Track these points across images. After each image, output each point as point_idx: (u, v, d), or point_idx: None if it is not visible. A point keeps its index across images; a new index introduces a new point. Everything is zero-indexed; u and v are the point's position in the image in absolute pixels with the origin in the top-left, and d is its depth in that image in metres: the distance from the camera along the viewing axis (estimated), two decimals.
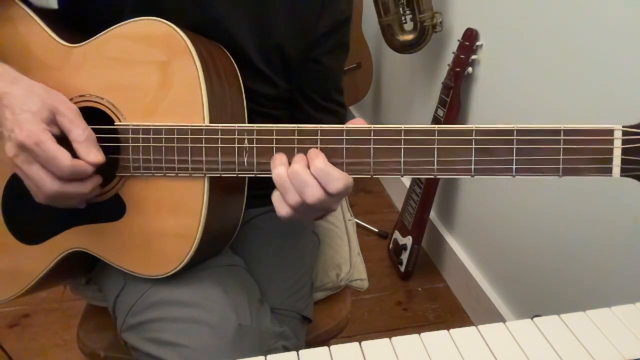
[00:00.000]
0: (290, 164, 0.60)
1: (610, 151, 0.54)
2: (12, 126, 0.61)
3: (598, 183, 1.06)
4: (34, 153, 0.60)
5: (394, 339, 0.55)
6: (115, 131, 0.67)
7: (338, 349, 0.54)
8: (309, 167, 0.59)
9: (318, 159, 0.59)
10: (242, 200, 0.74)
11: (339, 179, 0.58)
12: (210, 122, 0.65)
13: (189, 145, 0.64)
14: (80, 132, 0.63)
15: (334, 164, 0.59)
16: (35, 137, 0.60)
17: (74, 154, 0.63)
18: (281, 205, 0.61)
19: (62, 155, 0.61)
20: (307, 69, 0.82)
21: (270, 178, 0.61)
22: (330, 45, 0.82)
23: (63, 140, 0.63)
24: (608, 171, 0.54)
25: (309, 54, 0.81)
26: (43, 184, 0.62)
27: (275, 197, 0.61)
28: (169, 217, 0.68)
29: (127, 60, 0.68)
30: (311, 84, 0.84)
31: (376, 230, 2.01)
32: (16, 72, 0.66)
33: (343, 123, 0.89)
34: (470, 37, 1.47)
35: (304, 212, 0.61)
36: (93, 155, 0.63)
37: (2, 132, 0.62)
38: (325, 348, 0.54)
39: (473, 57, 1.48)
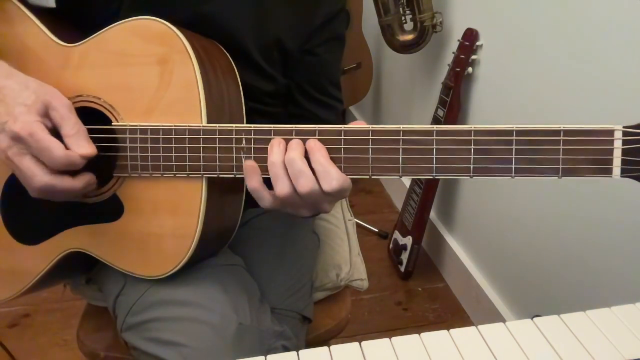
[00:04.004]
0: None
1: (611, 152, 0.54)
2: (6, 118, 0.61)
3: (598, 183, 1.06)
4: (27, 144, 0.60)
5: (394, 339, 0.55)
6: (113, 131, 0.67)
7: (338, 349, 0.54)
8: (306, 157, 0.58)
9: (320, 153, 0.58)
10: (240, 199, 0.74)
11: (335, 179, 0.58)
12: (208, 122, 0.65)
13: (187, 145, 0.64)
14: (71, 126, 0.63)
15: None
16: (29, 128, 0.60)
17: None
18: (264, 195, 0.61)
19: (55, 146, 0.61)
20: (303, 62, 0.82)
21: (270, 178, 0.61)
22: (326, 36, 0.82)
23: (56, 134, 0.63)
24: (608, 172, 0.54)
25: (305, 46, 0.81)
26: (34, 175, 0.61)
27: (255, 183, 0.61)
28: (167, 217, 0.67)
29: (125, 60, 0.68)
30: (307, 77, 0.84)
31: (376, 230, 2.01)
32: (11, 67, 0.66)
33: (340, 118, 0.91)
34: (470, 37, 1.47)
35: (292, 205, 0.61)
36: (84, 148, 0.63)
37: None
38: (325, 348, 0.54)
39: (473, 57, 1.48)
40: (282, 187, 0.59)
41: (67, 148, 0.62)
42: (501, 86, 1.41)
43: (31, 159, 0.61)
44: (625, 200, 1.04)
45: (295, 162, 0.58)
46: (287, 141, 0.60)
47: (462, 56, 1.48)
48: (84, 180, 0.65)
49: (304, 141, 0.59)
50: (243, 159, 0.63)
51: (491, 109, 1.48)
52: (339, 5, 0.82)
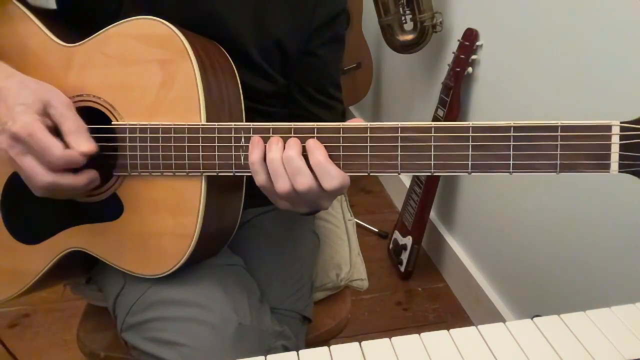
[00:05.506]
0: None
1: (609, 147, 0.54)
2: (6, 119, 0.61)
3: (598, 182, 1.06)
4: (27, 144, 0.61)
5: (394, 339, 0.55)
6: (113, 130, 0.67)
7: (338, 349, 0.54)
8: (304, 156, 0.59)
9: (318, 152, 0.58)
10: (240, 199, 0.74)
11: (335, 177, 0.58)
12: (207, 121, 0.65)
13: (186, 144, 0.64)
14: (70, 123, 0.63)
15: None
16: (28, 127, 0.60)
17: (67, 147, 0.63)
18: (261, 171, 0.60)
19: (53, 145, 0.61)
20: (303, 62, 0.82)
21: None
22: (326, 37, 0.82)
23: (58, 133, 0.63)
24: (606, 167, 0.54)
25: (305, 47, 0.81)
26: (36, 175, 0.62)
27: (256, 157, 0.60)
28: (167, 216, 0.67)
29: (125, 59, 0.68)
30: (307, 77, 0.84)
31: (376, 230, 2.01)
32: (11, 68, 0.66)
33: (341, 119, 0.91)
34: (470, 37, 1.47)
35: (289, 200, 0.61)
36: (84, 145, 0.63)
37: None
38: (325, 348, 0.54)
39: (473, 57, 1.48)
40: (282, 184, 0.59)
41: (67, 145, 0.63)
42: (501, 86, 1.41)
43: (33, 158, 0.61)
44: (625, 200, 1.04)
45: (293, 160, 0.58)
46: (285, 140, 0.60)
47: (462, 56, 1.48)
48: (87, 176, 0.65)
49: (302, 140, 0.60)
50: (242, 157, 0.63)
51: (491, 108, 1.48)
52: (339, 6, 0.82)
